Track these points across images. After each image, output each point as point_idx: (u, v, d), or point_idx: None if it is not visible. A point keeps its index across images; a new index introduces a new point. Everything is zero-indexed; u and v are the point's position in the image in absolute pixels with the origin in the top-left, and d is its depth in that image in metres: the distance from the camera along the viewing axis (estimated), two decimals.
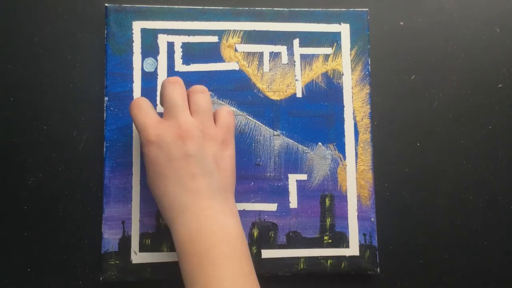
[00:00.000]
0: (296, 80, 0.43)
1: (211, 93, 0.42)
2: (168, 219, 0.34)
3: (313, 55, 0.43)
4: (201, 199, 0.33)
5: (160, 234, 0.40)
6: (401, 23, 0.45)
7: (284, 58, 0.43)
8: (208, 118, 0.36)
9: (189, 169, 0.33)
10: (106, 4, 0.42)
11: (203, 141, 0.34)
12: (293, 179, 0.42)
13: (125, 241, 0.40)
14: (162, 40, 0.42)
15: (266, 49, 0.43)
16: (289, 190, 0.42)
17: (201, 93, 0.36)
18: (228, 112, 0.37)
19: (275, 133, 0.42)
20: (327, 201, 0.42)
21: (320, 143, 0.42)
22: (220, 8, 0.43)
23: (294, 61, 0.43)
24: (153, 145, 0.34)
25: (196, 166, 0.33)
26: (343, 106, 0.43)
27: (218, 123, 0.36)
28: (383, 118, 0.44)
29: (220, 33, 0.42)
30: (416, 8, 0.45)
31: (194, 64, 0.42)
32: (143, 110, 0.35)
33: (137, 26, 0.42)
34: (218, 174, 0.35)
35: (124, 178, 0.41)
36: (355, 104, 0.43)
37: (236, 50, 0.42)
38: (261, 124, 0.42)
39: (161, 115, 0.36)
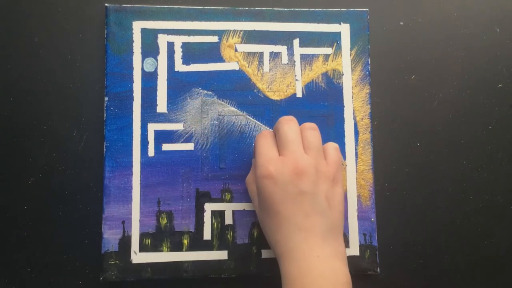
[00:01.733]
0: (296, 80, 0.43)
1: (211, 93, 0.42)
2: (278, 254, 0.34)
3: (313, 55, 0.43)
4: (312, 237, 0.33)
5: (160, 234, 0.40)
6: (401, 23, 0.45)
7: (284, 58, 0.43)
8: (320, 155, 0.36)
9: (302, 207, 0.33)
10: (106, 4, 0.42)
11: (317, 179, 0.34)
12: None
13: (125, 241, 0.40)
14: (162, 40, 0.42)
15: (266, 49, 0.43)
16: None
17: (313, 130, 0.36)
18: (335, 149, 0.37)
19: None
20: None
21: None
22: (220, 8, 0.43)
23: (294, 61, 0.43)
24: (270, 180, 0.34)
25: (310, 204, 0.33)
26: (343, 106, 0.43)
27: (328, 159, 0.36)
28: (383, 118, 0.44)
29: (220, 33, 0.42)
30: (416, 8, 0.45)
31: (194, 64, 0.42)
32: (269, 143, 0.36)
33: (137, 26, 0.42)
34: (329, 213, 0.34)
35: (124, 178, 0.41)
36: (355, 104, 0.43)
37: (236, 50, 0.42)
38: (261, 124, 0.42)
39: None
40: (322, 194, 0.34)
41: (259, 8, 0.43)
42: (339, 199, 0.36)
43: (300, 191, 0.33)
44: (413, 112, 0.44)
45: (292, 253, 0.33)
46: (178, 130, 0.41)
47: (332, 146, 0.37)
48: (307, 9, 0.43)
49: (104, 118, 0.41)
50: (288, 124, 0.36)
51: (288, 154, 0.34)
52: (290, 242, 0.33)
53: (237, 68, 0.42)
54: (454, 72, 0.45)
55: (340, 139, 0.42)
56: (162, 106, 0.41)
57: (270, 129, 0.42)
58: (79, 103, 0.42)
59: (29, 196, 0.41)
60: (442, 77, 0.45)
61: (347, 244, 0.42)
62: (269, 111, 0.42)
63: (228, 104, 0.42)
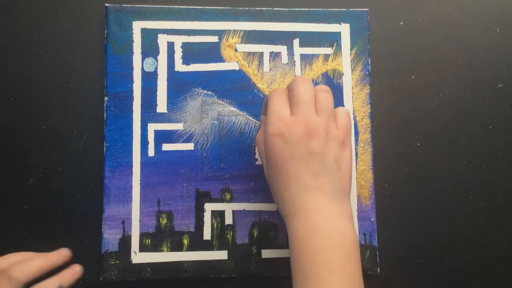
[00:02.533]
0: None
1: (211, 93, 0.42)
2: (286, 213, 0.34)
3: (313, 55, 0.43)
4: (320, 197, 0.33)
5: (160, 234, 0.40)
6: (401, 23, 0.45)
7: (284, 58, 0.43)
8: (331, 118, 0.36)
9: (311, 166, 0.33)
10: (106, 4, 0.42)
11: (327, 141, 0.34)
12: None
13: (125, 241, 0.40)
14: (162, 40, 0.42)
15: (266, 49, 0.43)
16: None
17: (326, 92, 0.36)
18: (346, 113, 0.37)
19: None
20: None
21: None
22: (220, 8, 0.43)
23: (294, 61, 0.43)
24: (280, 138, 0.34)
25: (319, 164, 0.34)
26: (343, 106, 0.43)
27: (338, 123, 0.36)
28: (383, 118, 0.44)
29: (220, 33, 0.42)
30: (416, 8, 0.45)
31: (194, 64, 0.42)
32: (282, 101, 0.35)
33: (137, 26, 0.42)
34: (338, 175, 0.34)
35: (124, 178, 0.41)
36: (355, 104, 0.43)
37: (236, 50, 0.42)
38: None
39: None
40: (331, 155, 0.34)
41: (259, 8, 0.43)
42: (348, 162, 0.36)
43: (309, 151, 0.33)
44: (413, 112, 0.44)
45: (300, 212, 0.33)
46: (178, 130, 0.41)
47: (343, 111, 0.37)
48: (307, 9, 0.43)
49: (104, 118, 0.41)
50: (304, 84, 0.35)
51: (300, 114, 0.34)
52: (298, 201, 0.33)
53: (237, 68, 0.42)
54: (454, 72, 0.45)
55: None
56: (162, 106, 0.41)
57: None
58: (79, 103, 0.42)
59: (29, 196, 0.41)
60: (442, 77, 0.45)
61: None
62: None
63: (228, 104, 0.42)
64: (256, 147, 0.39)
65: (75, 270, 0.38)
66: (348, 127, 0.37)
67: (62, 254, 0.38)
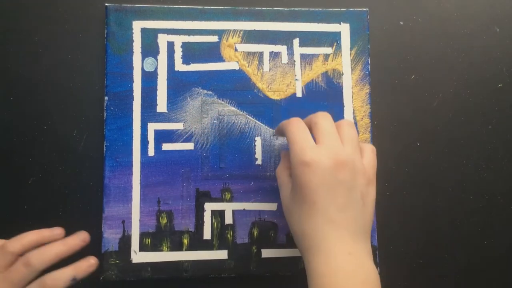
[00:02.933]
0: (296, 79, 0.43)
1: (211, 92, 0.42)
2: (305, 247, 0.33)
3: (313, 54, 0.43)
4: (345, 233, 0.32)
5: (160, 233, 0.40)
6: (401, 23, 0.45)
7: (284, 58, 0.43)
8: (358, 151, 0.35)
9: (338, 199, 0.32)
10: (106, 4, 0.42)
11: (355, 173, 0.33)
12: None
13: (125, 241, 0.40)
14: (162, 40, 0.42)
15: (266, 48, 0.43)
16: None
17: (350, 126, 0.35)
18: (373, 151, 0.36)
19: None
20: None
21: None
22: (220, 8, 0.43)
23: (294, 61, 0.43)
24: (308, 168, 0.32)
25: (346, 196, 0.32)
26: (343, 106, 0.43)
27: (365, 160, 0.35)
28: (383, 118, 0.44)
29: (220, 33, 0.42)
30: (416, 8, 0.45)
31: (194, 64, 0.42)
32: (302, 130, 0.34)
33: (137, 26, 0.42)
34: (363, 210, 0.34)
35: (124, 178, 0.41)
36: (355, 104, 0.43)
37: (236, 50, 0.42)
38: (261, 124, 0.42)
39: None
40: (358, 188, 0.33)
41: (259, 8, 0.43)
42: (372, 199, 0.35)
43: (338, 181, 0.32)
44: (413, 112, 0.44)
45: (322, 246, 0.32)
46: (178, 129, 0.41)
47: (370, 148, 0.36)
48: (307, 9, 0.43)
49: (104, 118, 0.41)
50: (326, 118, 0.35)
51: (328, 144, 0.33)
52: (320, 235, 0.32)
53: (237, 67, 0.42)
54: (454, 72, 0.45)
55: None
56: (162, 105, 0.42)
57: (272, 129, 0.42)
58: (79, 103, 0.42)
59: (29, 196, 0.41)
60: (442, 77, 0.45)
61: None
62: (269, 110, 0.42)
63: (228, 103, 0.42)
64: (277, 177, 0.38)
65: (90, 263, 0.37)
66: (375, 165, 0.36)
67: (80, 238, 0.38)
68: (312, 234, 0.32)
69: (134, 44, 0.42)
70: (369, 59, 0.43)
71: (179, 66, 0.42)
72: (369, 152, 0.36)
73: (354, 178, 0.33)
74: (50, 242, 0.37)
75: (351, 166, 0.33)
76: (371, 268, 0.32)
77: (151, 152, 0.41)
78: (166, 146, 0.41)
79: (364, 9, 0.44)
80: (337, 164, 0.32)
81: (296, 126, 0.35)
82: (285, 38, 0.43)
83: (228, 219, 0.41)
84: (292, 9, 0.43)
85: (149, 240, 0.40)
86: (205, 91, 0.42)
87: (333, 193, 0.32)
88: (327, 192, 0.32)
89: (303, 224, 0.33)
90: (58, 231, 0.38)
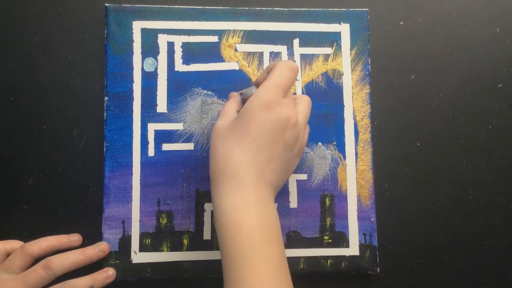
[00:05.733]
0: (296, 80, 0.43)
1: (211, 92, 0.42)
2: (221, 174, 0.33)
3: (313, 55, 0.43)
4: (262, 178, 0.34)
5: (160, 234, 0.40)
6: (401, 23, 0.45)
7: (284, 58, 0.43)
8: (306, 123, 0.37)
9: (274, 151, 0.34)
10: (106, 4, 0.42)
11: (296, 141, 0.35)
12: (293, 179, 0.42)
13: (125, 241, 0.40)
14: (162, 40, 0.42)
15: (266, 49, 0.43)
16: (289, 190, 0.42)
17: (310, 102, 0.37)
18: (309, 103, 0.37)
19: None
20: (327, 201, 0.42)
21: (320, 143, 0.42)
22: (220, 8, 0.43)
23: (294, 61, 0.43)
24: (269, 111, 0.33)
25: (280, 154, 0.34)
26: (343, 106, 0.43)
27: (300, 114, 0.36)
28: (383, 118, 0.44)
29: (220, 33, 0.42)
30: (416, 8, 0.45)
31: (194, 64, 0.42)
32: (290, 79, 0.35)
33: (137, 26, 0.42)
34: (285, 172, 0.35)
35: (124, 178, 0.41)
36: (355, 104, 0.43)
37: (236, 50, 0.42)
38: None
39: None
40: (291, 155, 0.35)
41: (259, 8, 0.43)
42: (295, 166, 0.37)
43: (282, 136, 0.34)
44: (413, 112, 0.44)
45: (238, 179, 0.33)
46: (178, 130, 0.41)
47: (306, 100, 0.37)
48: (307, 9, 0.43)
49: (104, 118, 0.41)
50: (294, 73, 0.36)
51: (299, 105, 0.36)
52: (245, 167, 0.33)
53: (237, 68, 0.42)
54: (454, 72, 0.45)
55: (340, 139, 0.42)
56: (162, 106, 0.41)
57: None
58: (79, 103, 0.42)
59: (29, 196, 0.41)
60: (442, 77, 0.45)
61: (347, 244, 0.42)
62: None
63: None
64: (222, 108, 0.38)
65: (108, 274, 0.39)
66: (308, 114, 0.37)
67: (99, 248, 0.39)
68: (237, 164, 0.33)
69: (134, 44, 0.42)
70: (369, 59, 0.43)
71: (179, 66, 0.42)
72: (306, 104, 0.37)
73: (294, 145, 0.35)
74: (67, 248, 0.39)
75: (299, 135, 0.35)
76: (271, 208, 0.34)
77: (151, 152, 0.41)
78: (166, 147, 0.41)
79: (364, 9, 0.44)
80: (292, 124, 0.34)
81: (287, 72, 0.35)
82: (285, 38, 0.43)
83: None
84: (292, 9, 0.43)
85: (149, 241, 0.40)
86: (205, 91, 0.42)
87: (273, 145, 0.33)
88: (270, 141, 0.33)
89: (233, 153, 0.33)
90: (75, 237, 0.40)
